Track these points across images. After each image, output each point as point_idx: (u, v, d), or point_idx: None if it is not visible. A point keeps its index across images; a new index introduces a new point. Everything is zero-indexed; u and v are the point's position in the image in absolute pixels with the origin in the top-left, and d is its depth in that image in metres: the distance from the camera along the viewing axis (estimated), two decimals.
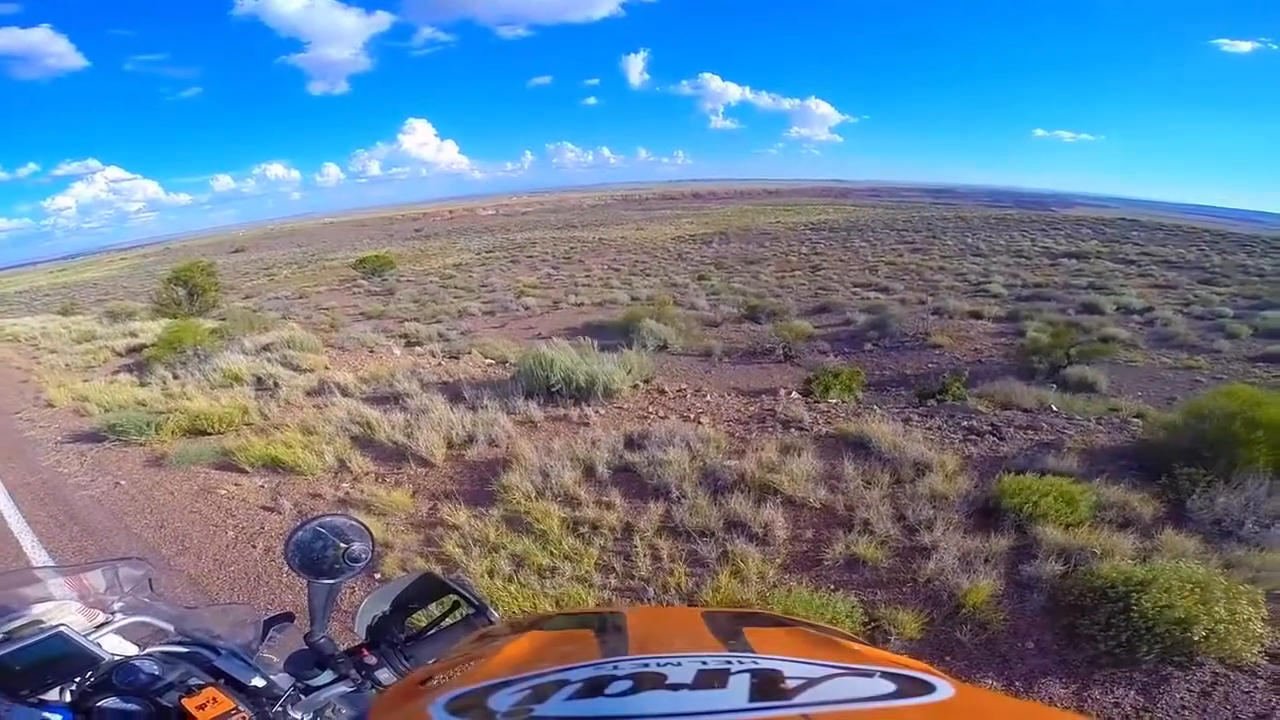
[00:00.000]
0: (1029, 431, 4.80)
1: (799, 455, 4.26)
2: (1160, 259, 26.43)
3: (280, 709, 1.03)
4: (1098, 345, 11.58)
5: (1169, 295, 18.08)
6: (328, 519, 1.06)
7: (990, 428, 4.88)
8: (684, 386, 6.70)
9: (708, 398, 6.13)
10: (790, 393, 6.79)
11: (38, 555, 3.90)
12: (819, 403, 6.22)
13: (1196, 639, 2.45)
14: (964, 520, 3.54)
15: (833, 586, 3.11)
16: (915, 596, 3.03)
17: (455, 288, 25.54)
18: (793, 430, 5.00)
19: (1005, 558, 3.20)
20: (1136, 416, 5.41)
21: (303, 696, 1.04)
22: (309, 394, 6.87)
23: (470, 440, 5.06)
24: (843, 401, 6.68)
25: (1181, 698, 2.41)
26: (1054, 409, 5.90)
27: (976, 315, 15.02)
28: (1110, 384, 9.92)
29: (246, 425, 6.00)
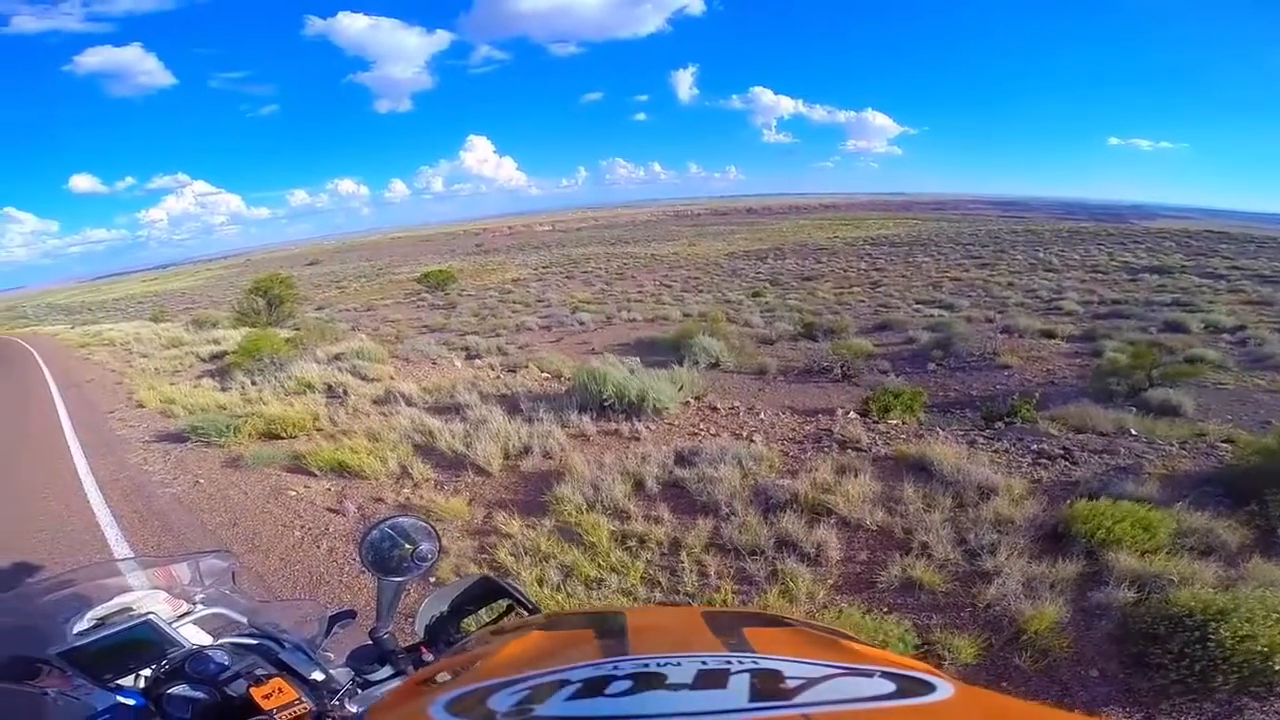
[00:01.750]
0: (1105, 456, 4.52)
1: (855, 476, 4.14)
2: (1253, 273, 24.24)
3: (337, 702, 1.05)
4: (1183, 366, 10.72)
5: (1263, 312, 16.54)
6: (398, 520, 1.09)
7: (1062, 451, 4.61)
8: (736, 404, 6.64)
9: (761, 416, 6.05)
10: (848, 412, 6.61)
11: (120, 549, 4.12)
12: (878, 423, 6.03)
13: (1278, 669, 2.29)
14: (1030, 545, 3.35)
15: (886, 609, 3.00)
16: (974, 622, 2.89)
17: (513, 302, 26.21)
18: (850, 451, 4.87)
19: (1073, 584, 3.02)
20: (1225, 441, 4.99)
21: (360, 690, 1.06)
22: (375, 402, 7.18)
23: (526, 451, 5.16)
24: (903, 423, 6.46)
25: None
26: (1133, 433, 5.53)
27: (1049, 334, 14.21)
28: (1197, 407, 9.16)
29: (317, 430, 6.32)
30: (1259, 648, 2.32)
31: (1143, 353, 10.68)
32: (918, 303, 20.28)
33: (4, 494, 5.31)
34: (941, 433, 5.27)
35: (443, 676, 0.47)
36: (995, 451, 4.70)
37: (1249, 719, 2.30)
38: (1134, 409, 8.29)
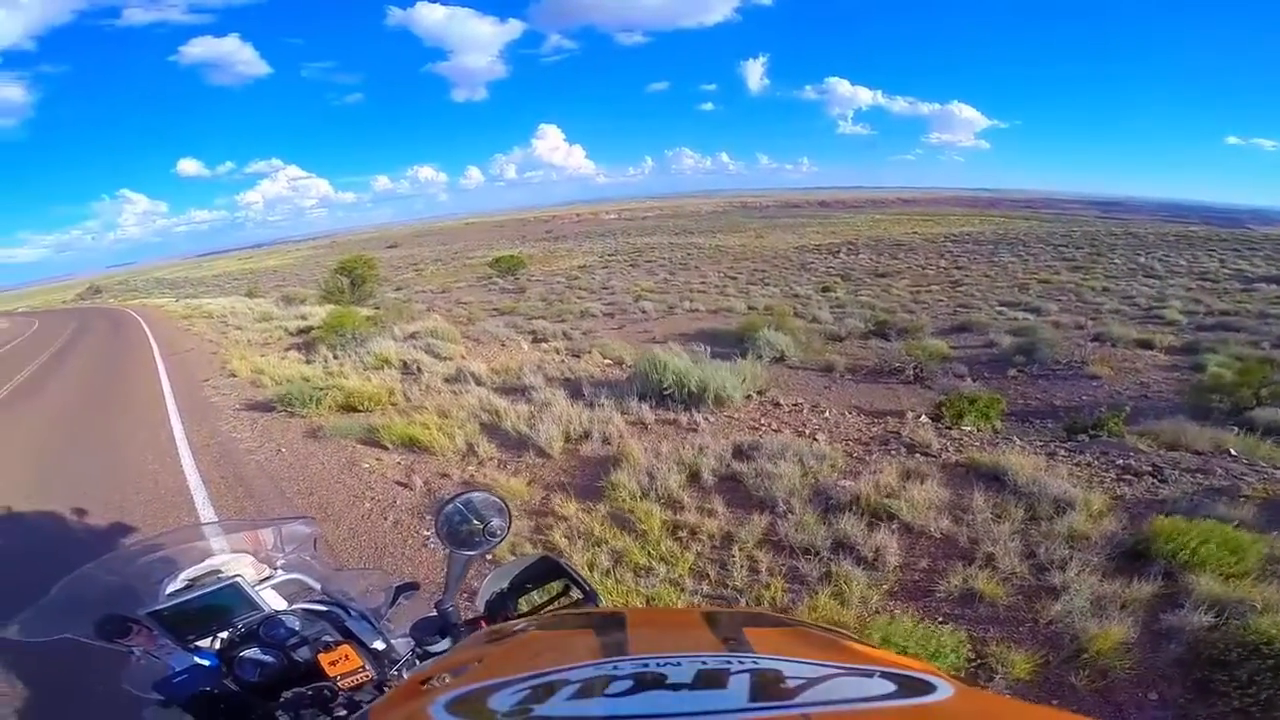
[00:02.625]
0: (1198, 475, 4.18)
1: (922, 482, 3.98)
2: None
3: (396, 672, 1.09)
4: None
5: None
6: (471, 495, 1.11)
7: (1150, 468, 4.28)
8: (800, 401, 6.50)
9: (826, 414, 5.91)
10: (919, 416, 6.36)
11: (206, 511, 4.34)
12: (950, 429, 5.77)
13: None
14: (1104, 563, 3.15)
15: (941, 619, 2.88)
16: (1033, 638, 2.74)
17: (579, 289, 26.58)
18: (918, 455, 4.68)
19: (1146, 605, 2.82)
20: None
21: (418, 662, 1.08)
22: (447, 380, 7.47)
23: (586, 436, 5.24)
24: (978, 430, 6.14)
25: None
26: (1233, 453, 5.06)
27: (1145, 344, 13.08)
28: None
29: (391, 405, 6.63)
30: None
31: (1251, 369, 9.66)
32: (1001, 305, 19.10)
33: (111, 455, 5.84)
34: (1019, 442, 4.98)
35: (443, 676, 0.48)
36: (1076, 465, 4.42)
37: None
38: (1236, 428, 7.55)
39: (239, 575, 1.15)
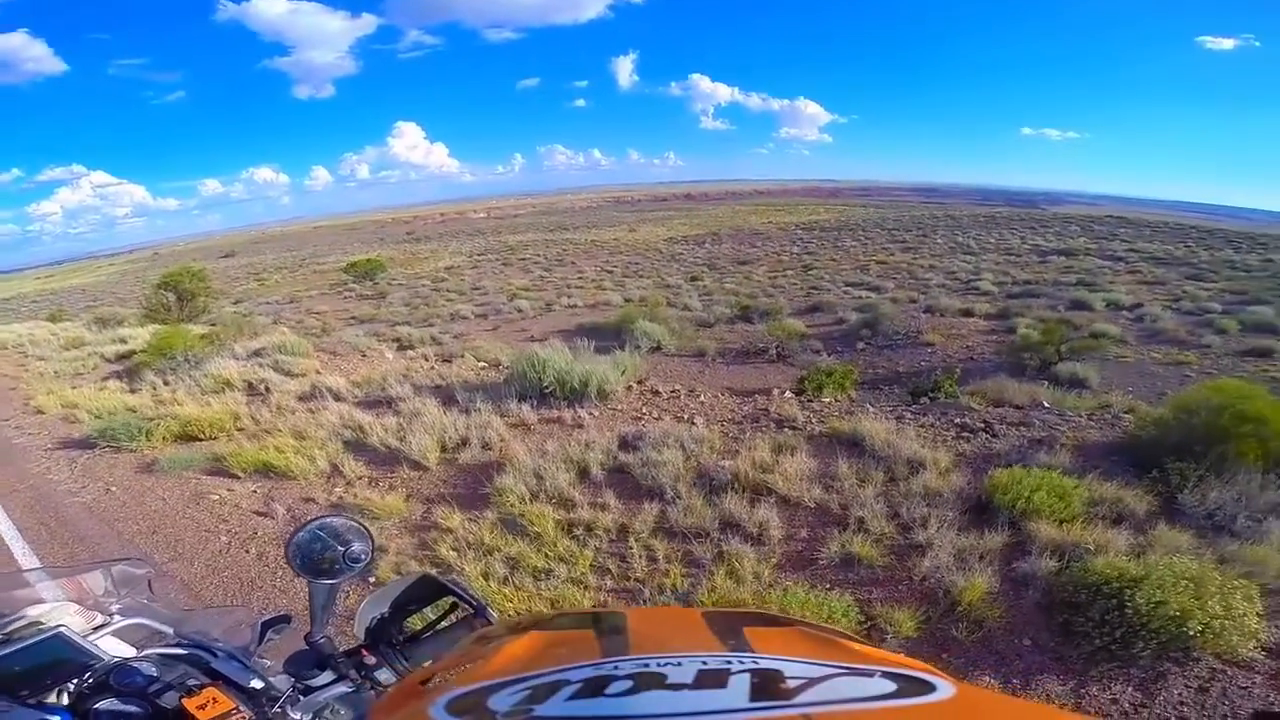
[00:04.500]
0: (1021, 428, 4.82)
1: (793, 454, 4.27)
2: (1148, 255, 26.65)
3: (279, 710, 1.03)
4: (1088, 341, 11.66)
5: (1157, 291, 18.22)
6: (328, 520, 1.06)
7: (983, 425, 4.90)
8: (678, 387, 6.69)
9: (701, 398, 6.13)
10: (784, 392, 6.80)
11: (29, 561, 3.87)
12: (812, 401, 6.23)
13: (1192, 634, 2.45)
14: (958, 517, 3.55)
15: (829, 586, 3.11)
16: (911, 595, 3.04)
17: (447, 291, 25.46)
18: (786, 429, 5.00)
19: (1000, 554, 3.21)
20: (1127, 412, 5.45)
21: (301, 697, 1.04)
22: (301, 399, 6.81)
23: (464, 443, 5.03)
24: (836, 400, 6.70)
25: (1179, 693, 2.41)
26: (1046, 405, 5.94)
27: (968, 313, 15.11)
28: (1101, 380, 9.99)
29: (238, 430, 5.96)
30: (1172, 613, 2.47)
31: (1052, 329, 11.52)
32: (847, 285, 21.10)
33: None
34: (871, 409, 5.49)
35: (443, 677, 0.47)
36: (922, 426, 4.94)
37: (1171, 684, 2.44)
38: (1046, 382, 8.93)
39: (62, 625, 1.09)
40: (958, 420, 5.05)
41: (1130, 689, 2.45)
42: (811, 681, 0.37)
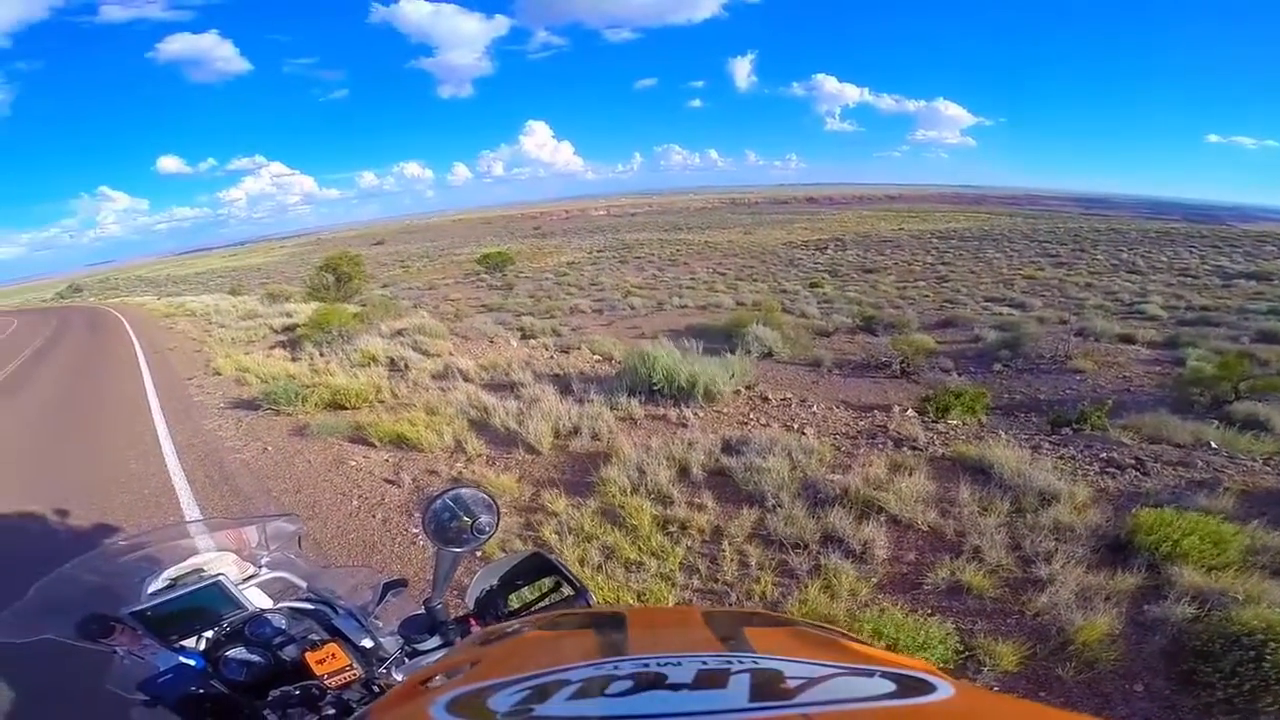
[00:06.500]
0: (1180, 468, 4.25)
1: (909, 475, 4.02)
2: None
3: (385, 670, 1.08)
4: (1275, 380, 9.83)
5: None
6: (459, 491, 1.09)
7: (1133, 461, 4.35)
8: (789, 395, 6.53)
9: (814, 409, 5.94)
10: (905, 410, 6.41)
11: (191, 510, 4.29)
12: (936, 423, 5.82)
13: None
14: (1089, 555, 3.19)
15: (930, 611, 2.91)
16: (1019, 629, 2.78)
17: (568, 285, 26.53)
18: (905, 449, 4.72)
19: (1130, 596, 2.87)
20: None
21: (407, 659, 1.08)
22: (435, 377, 7.42)
23: (575, 432, 5.22)
24: (964, 424, 6.21)
25: None
26: (1213, 446, 5.15)
27: (1128, 339, 13.29)
28: None
29: (379, 402, 6.58)
30: None
31: (1231, 363, 9.84)
32: (986, 300, 19.33)
33: (93, 454, 5.76)
34: (1004, 436, 5.03)
35: (443, 676, 0.48)
36: (1060, 458, 4.48)
37: None
38: (1217, 422, 7.69)
39: (221, 574, 1.14)
40: (1103, 455, 4.51)
41: None
42: (811, 681, 0.37)
